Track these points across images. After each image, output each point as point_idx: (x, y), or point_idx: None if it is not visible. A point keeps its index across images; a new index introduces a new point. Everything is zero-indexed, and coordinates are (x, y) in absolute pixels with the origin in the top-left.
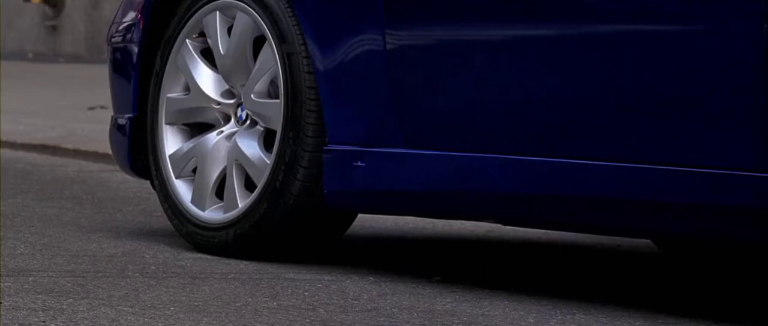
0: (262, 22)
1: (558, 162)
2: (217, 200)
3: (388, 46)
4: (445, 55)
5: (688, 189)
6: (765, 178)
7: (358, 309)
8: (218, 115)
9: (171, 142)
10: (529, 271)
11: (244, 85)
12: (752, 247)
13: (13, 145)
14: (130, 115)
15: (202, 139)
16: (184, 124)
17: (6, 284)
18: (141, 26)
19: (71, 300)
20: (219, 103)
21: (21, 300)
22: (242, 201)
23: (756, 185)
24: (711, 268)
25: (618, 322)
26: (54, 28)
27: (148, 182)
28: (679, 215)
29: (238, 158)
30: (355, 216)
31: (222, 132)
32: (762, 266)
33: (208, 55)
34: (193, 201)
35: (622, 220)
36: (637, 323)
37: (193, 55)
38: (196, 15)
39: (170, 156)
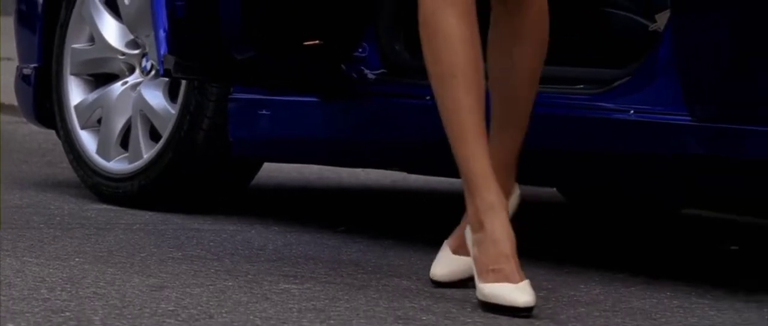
0: None
1: None
2: (123, 151)
3: None
4: None
5: None
6: None
7: (263, 259)
8: (123, 66)
9: (76, 92)
10: (434, 222)
11: (148, 36)
12: (657, 198)
13: None
14: (34, 65)
15: (106, 89)
16: (89, 75)
17: None
18: None
19: None
20: (123, 54)
21: None
22: (147, 151)
23: None
24: (616, 218)
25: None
26: None
27: (53, 133)
28: None
29: (142, 108)
30: (261, 165)
31: (127, 82)
32: (665, 216)
33: (113, 6)
34: (98, 152)
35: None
36: (542, 272)
37: (97, 5)
38: None
39: (75, 106)
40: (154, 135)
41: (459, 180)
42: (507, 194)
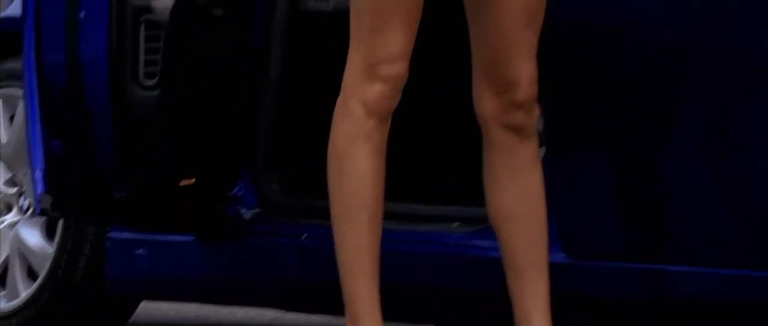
0: None
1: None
2: (0, 289)
3: None
4: None
5: None
6: None
7: None
8: (0, 204)
9: None
10: None
11: (26, 175)
12: None
13: None
14: None
15: None
16: None
17: None
18: None
19: None
20: (1, 192)
21: None
22: (25, 290)
23: None
24: None
25: None
26: None
27: None
28: None
29: (20, 247)
30: (139, 303)
31: (4, 221)
32: None
33: None
34: None
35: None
36: None
37: None
38: None
39: None
40: (31, 273)
41: (337, 317)
42: None
